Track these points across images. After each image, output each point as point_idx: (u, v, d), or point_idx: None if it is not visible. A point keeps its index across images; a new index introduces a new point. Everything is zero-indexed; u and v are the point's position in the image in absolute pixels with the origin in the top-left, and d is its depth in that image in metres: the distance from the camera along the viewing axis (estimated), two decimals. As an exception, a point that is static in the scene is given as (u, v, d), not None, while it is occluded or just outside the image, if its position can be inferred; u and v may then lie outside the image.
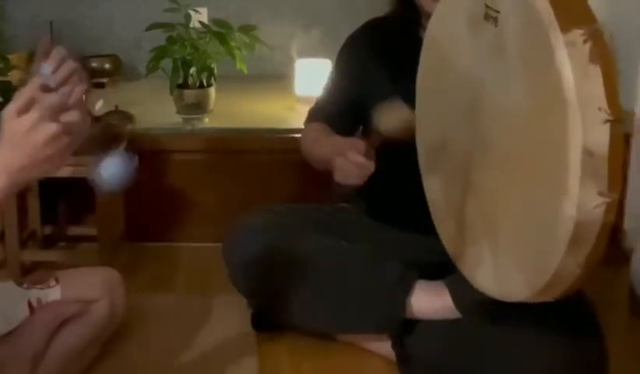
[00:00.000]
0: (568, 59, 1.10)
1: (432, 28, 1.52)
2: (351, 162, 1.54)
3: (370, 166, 1.54)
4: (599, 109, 1.09)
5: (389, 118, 1.54)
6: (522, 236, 1.25)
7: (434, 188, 1.58)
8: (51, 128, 1.02)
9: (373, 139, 1.56)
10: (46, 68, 1.07)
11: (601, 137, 1.09)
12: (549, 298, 1.23)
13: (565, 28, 1.11)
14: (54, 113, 1.03)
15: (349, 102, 1.85)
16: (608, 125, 1.09)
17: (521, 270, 1.25)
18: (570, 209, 1.11)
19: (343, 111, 1.85)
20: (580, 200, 1.10)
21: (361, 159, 1.53)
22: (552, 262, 1.16)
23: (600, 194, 1.10)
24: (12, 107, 1.03)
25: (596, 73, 1.10)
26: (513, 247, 1.28)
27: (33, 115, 1.02)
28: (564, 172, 1.11)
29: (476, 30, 1.34)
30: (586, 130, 1.09)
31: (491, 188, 1.34)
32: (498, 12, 1.27)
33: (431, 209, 1.58)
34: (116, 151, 1.20)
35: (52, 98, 1.04)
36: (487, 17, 1.30)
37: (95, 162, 1.16)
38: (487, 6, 1.29)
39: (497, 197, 1.32)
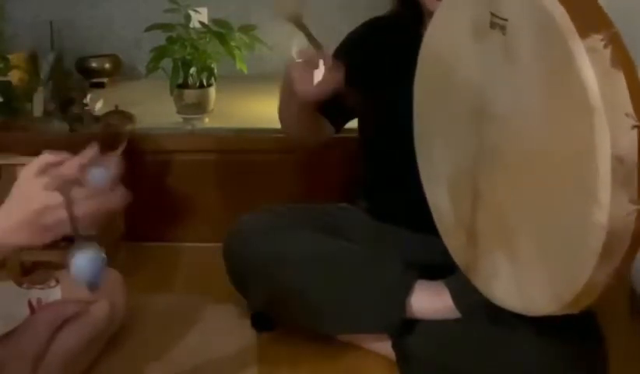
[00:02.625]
0: (591, 65, 1.07)
1: (429, 40, 1.49)
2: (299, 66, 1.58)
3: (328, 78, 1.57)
4: (627, 115, 1.07)
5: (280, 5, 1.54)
6: (547, 248, 1.23)
7: (438, 199, 1.55)
8: (57, 197, 1.03)
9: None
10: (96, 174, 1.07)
11: (630, 143, 1.06)
12: (575, 310, 1.21)
13: (584, 34, 1.09)
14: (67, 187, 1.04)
15: (334, 103, 1.84)
16: (636, 130, 1.07)
17: (547, 284, 1.23)
18: (601, 219, 1.08)
19: (336, 105, 1.84)
20: (612, 209, 1.07)
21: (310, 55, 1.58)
22: (582, 274, 1.13)
23: (632, 201, 1.07)
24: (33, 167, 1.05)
25: (619, 78, 1.08)
26: (536, 259, 1.25)
27: (45, 179, 1.04)
28: (592, 181, 1.08)
29: (480, 39, 1.32)
30: (614, 137, 1.06)
31: (508, 199, 1.31)
32: (506, 20, 1.24)
33: (437, 220, 1.56)
34: (88, 248, 1.11)
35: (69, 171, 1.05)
36: (492, 25, 1.27)
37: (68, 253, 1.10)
38: (492, 14, 1.27)
39: (514, 208, 1.30)
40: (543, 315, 1.27)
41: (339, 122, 1.88)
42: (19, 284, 1.60)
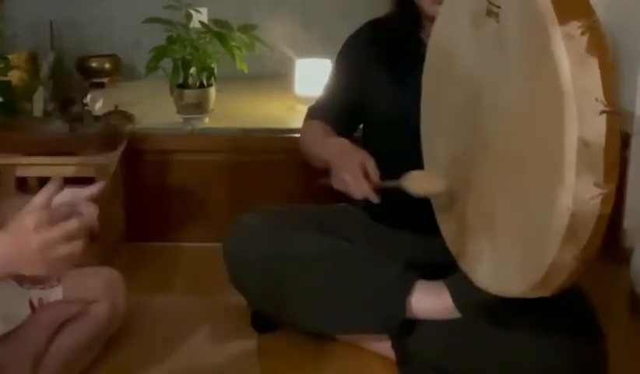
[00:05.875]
0: (566, 51, 1.11)
1: (437, 28, 1.52)
2: (356, 184, 1.54)
3: (373, 199, 1.54)
4: (596, 100, 1.10)
5: (420, 185, 1.54)
6: (519, 230, 1.26)
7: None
8: (52, 233, 1.12)
9: (388, 184, 1.56)
10: None
11: (597, 128, 1.10)
12: (546, 292, 1.24)
13: (563, 20, 1.12)
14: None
15: (349, 102, 1.85)
16: (604, 115, 1.10)
17: (518, 265, 1.26)
18: (566, 201, 1.11)
19: (343, 111, 1.86)
20: (576, 191, 1.11)
21: (368, 189, 1.54)
22: (548, 254, 1.16)
23: (596, 185, 1.11)
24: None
25: (593, 65, 1.11)
26: (510, 242, 1.28)
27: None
28: (560, 163, 1.11)
29: (478, 27, 1.35)
30: (582, 121, 1.09)
31: (490, 184, 1.35)
32: (499, 7, 1.27)
33: (435, 206, 1.58)
34: None
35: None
36: (489, 13, 1.31)
37: None
38: (488, 2, 1.30)
39: (495, 193, 1.33)
40: (517, 296, 1.29)
41: (352, 131, 1.89)
42: (20, 284, 1.60)
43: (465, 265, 1.46)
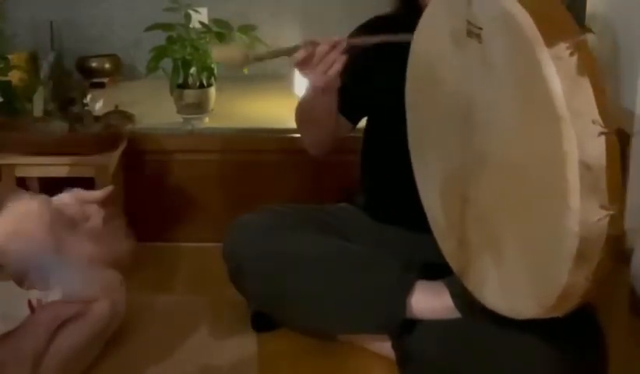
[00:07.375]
0: (556, 74, 1.09)
1: (416, 44, 1.50)
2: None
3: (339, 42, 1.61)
4: (593, 122, 1.08)
5: (222, 53, 1.63)
6: (527, 252, 1.24)
7: (432, 203, 1.56)
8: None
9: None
10: None
11: (597, 150, 1.08)
12: (560, 312, 1.22)
13: (550, 42, 1.10)
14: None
15: (348, 97, 1.84)
16: (603, 137, 1.08)
17: (529, 288, 1.24)
18: (573, 225, 1.10)
19: (341, 105, 1.85)
20: (582, 215, 1.09)
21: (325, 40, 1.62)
22: (560, 278, 1.15)
23: (602, 207, 1.09)
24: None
25: (585, 85, 1.09)
26: (519, 264, 1.27)
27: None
28: (563, 187, 1.09)
29: (460, 47, 1.33)
30: (581, 144, 1.08)
31: (489, 203, 1.32)
32: (481, 28, 1.25)
33: (431, 223, 1.57)
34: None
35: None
36: (469, 34, 1.28)
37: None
38: (468, 23, 1.27)
39: (496, 212, 1.31)
40: (530, 318, 1.28)
41: (355, 118, 1.88)
42: (20, 284, 1.60)
43: (469, 284, 1.45)
